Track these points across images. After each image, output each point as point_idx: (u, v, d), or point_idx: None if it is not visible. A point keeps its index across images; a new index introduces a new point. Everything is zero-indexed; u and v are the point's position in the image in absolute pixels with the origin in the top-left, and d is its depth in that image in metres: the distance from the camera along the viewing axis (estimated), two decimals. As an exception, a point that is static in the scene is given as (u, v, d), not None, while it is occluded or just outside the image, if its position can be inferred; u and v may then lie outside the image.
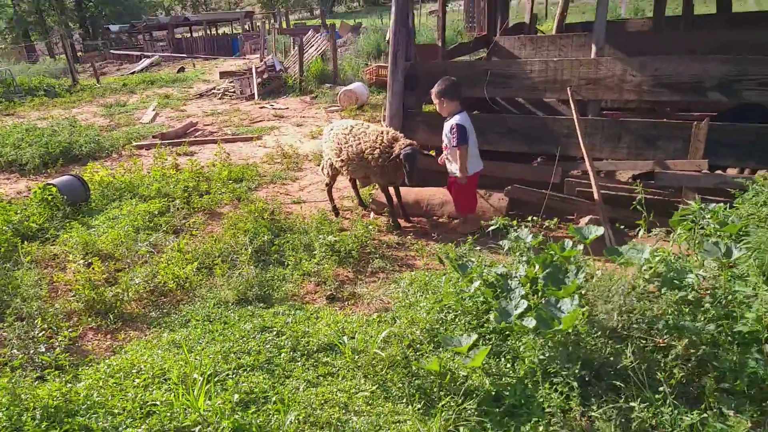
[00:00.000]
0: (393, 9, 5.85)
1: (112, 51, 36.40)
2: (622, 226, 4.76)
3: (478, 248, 4.28)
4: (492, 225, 3.83)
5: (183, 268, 4.61)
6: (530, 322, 2.69)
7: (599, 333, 2.76)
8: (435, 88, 5.03)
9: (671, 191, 4.85)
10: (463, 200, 5.21)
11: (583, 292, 3.12)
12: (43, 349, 3.53)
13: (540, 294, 3.12)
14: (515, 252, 3.64)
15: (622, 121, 5.03)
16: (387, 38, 6.01)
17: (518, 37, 7.69)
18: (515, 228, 3.80)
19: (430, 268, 4.62)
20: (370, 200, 6.11)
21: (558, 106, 7.17)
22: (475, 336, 2.86)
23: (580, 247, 3.26)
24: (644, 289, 3.11)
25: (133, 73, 25.22)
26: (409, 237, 5.23)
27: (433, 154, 6.91)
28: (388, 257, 4.84)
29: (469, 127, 4.96)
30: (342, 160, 5.58)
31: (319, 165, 7.97)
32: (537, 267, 3.29)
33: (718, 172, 5.08)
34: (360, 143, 5.42)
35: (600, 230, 3.39)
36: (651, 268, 3.04)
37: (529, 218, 5.08)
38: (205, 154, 9.25)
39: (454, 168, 5.11)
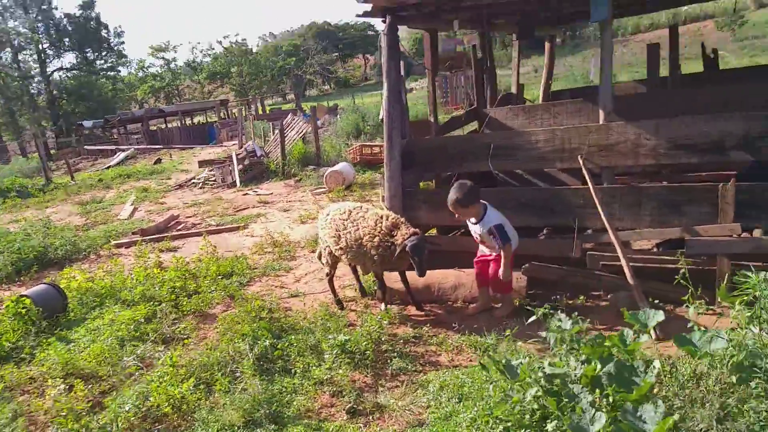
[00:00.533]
0: (385, 86, 5.64)
1: (86, 147, 36.24)
2: (656, 301, 4.40)
3: (514, 340, 3.83)
4: (533, 316, 3.40)
5: (178, 387, 4.06)
6: (616, 443, 2.23)
7: (696, 447, 2.30)
8: (453, 196, 4.62)
9: (703, 259, 4.51)
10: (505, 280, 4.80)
11: (658, 392, 2.68)
12: None
13: (606, 398, 2.66)
14: (559, 344, 3.21)
15: (641, 187, 4.74)
16: (380, 117, 5.75)
17: (510, 108, 7.56)
18: (555, 315, 3.38)
19: (457, 365, 4.14)
20: (375, 288, 5.66)
21: (559, 175, 6.94)
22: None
23: (645, 337, 2.84)
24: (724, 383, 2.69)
25: (108, 167, 24.95)
26: (425, 328, 4.76)
27: (435, 233, 6.58)
28: (408, 355, 4.35)
29: (504, 221, 4.69)
30: (341, 248, 5.18)
31: (313, 252, 7.56)
32: (596, 364, 2.84)
33: (746, 234, 4.79)
34: (359, 229, 5.06)
35: (660, 315, 2.99)
36: (733, 357, 2.63)
37: (555, 299, 4.74)
38: (190, 248, 8.78)
39: (488, 249, 4.84)
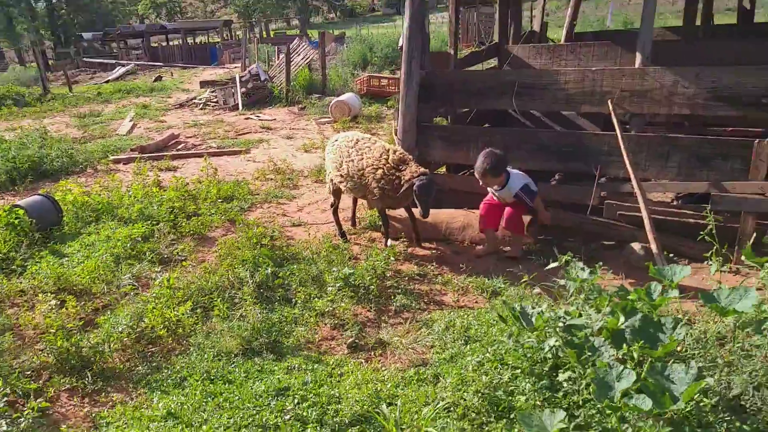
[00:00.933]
0: (407, 12, 5.26)
1: (85, 59, 35.24)
2: (671, 255, 4.25)
3: (532, 286, 3.68)
4: (543, 259, 3.23)
5: (174, 309, 3.93)
6: (644, 402, 2.09)
7: (726, 411, 2.18)
8: (484, 165, 4.45)
9: (727, 215, 4.32)
10: (520, 220, 4.68)
11: (683, 351, 2.54)
12: (5, 427, 2.82)
13: (630, 354, 2.52)
14: (577, 294, 3.06)
15: (671, 137, 4.50)
16: (399, 45, 5.39)
17: (533, 45, 7.18)
18: (573, 263, 3.21)
19: (462, 305, 4.01)
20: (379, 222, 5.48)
21: (577, 120, 6.66)
22: (561, 414, 2.25)
23: (675, 292, 2.68)
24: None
25: (107, 81, 24.29)
26: (430, 267, 4.61)
27: (443, 171, 6.36)
28: (412, 292, 4.21)
29: (526, 179, 4.60)
30: (341, 175, 4.99)
31: (318, 182, 7.36)
32: (618, 316, 2.69)
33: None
34: (363, 159, 4.84)
35: (687, 270, 2.82)
36: (764, 317, 2.47)
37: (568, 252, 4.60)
38: (190, 169, 8.54)
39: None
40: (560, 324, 2.66)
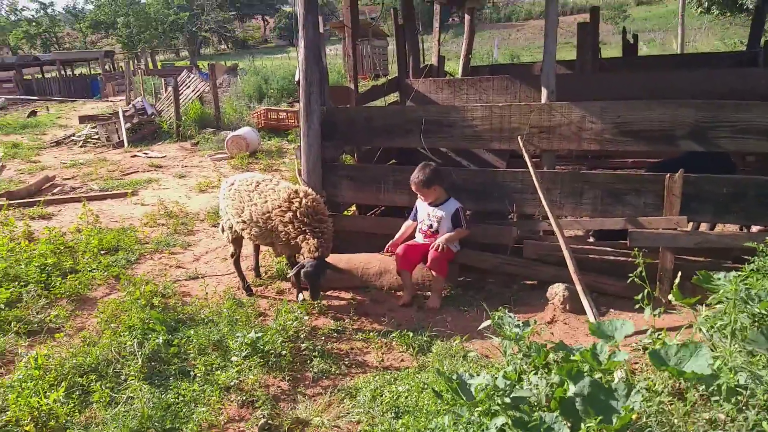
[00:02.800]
0: (302, 44, 4.94)
1: (-56, 93, 31.84)
2: (594, 294, 4.16)
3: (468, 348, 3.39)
4: (485, 323, 2.95)
5: (44, 396, 3.25)
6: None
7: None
8: (422, 176, 4.42)
9: (644, 251, 4.29)
10: (445, 261, 4.47)
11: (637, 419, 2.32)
12: None
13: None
14: (517, 357, 2.80)
15: (584, 173, 4.45)
16: (296, 79, 5.04)
17: (434, 79, 7.09)
18: (505, 315, 2.96)
19: (388, 366, 3.64)
20: (288, 271, 5.02)
21: (484, 155, 6.60)
22: None
23: (624, 355, 2.47)
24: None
25: (-30, 117, 21.93)
26: (348, 320, 4.22)
27: (351, 213, 6.04)
28: (330, 353, 3.79)
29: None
30: (244, 221, 4.53)
31: (215, 226, 6.76)
32: (567, 385, 2.44)
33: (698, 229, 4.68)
34: (267, 202, 4.43)
35: (630, 327, 2.65)
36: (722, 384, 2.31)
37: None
38: (67, 216, 7.62)
39: (427, 239, 4.61)
40: (505, 399, 2.36)
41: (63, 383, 3.43)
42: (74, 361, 3.66)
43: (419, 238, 4.63)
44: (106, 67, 37.72)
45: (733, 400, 2.21)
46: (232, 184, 4.78)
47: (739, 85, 5.57)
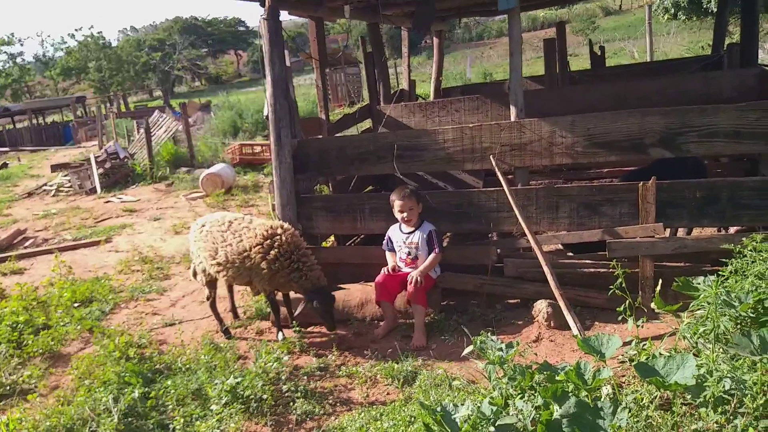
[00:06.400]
0: (269, 78, 4.91)
1: None
2: (577, 308, 4.10)
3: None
4: (467, 348, 2.87)
5: (14, 466, 3.09)
6: None
7: None
8: (406, 196, 4.43)
9: (624, 261, 4.26)
10: (423, 291, 4.37)
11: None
12: None
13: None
14: (503, 381, 2.71)
15: (558, 188, 4.43)
16: (264, 114, 4.99)
17: (405, 104, 7.07)
18: (488, 339, 2.88)
19: (373, 401, 3.53)
20: (268, 310, 4.89)
21: (461, 176, 6.57)
22: None
23: (608, 371, 2.39)
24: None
25: (-60, 174, 21.53)
26: (331, 356, 4.10)
27: (330, 244, 5.95)
28: (314, 393, 3.66)
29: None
30: (219, 263, 4.42)
31: (190, 268, 6.62)
32: (553, 407, 2.36)
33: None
34: (242, 241, 4.34)
35: (617, 341, 2.58)
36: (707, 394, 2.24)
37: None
38: (40, 269, 7.42)
39: (408, 267, 4.53)
40: (490, 429, 2.27)
41: (35, 449, 3.27)
42: (48, 423, 3.50)
43: (401, 266, 4.55)
44: (78, 112, 37.50)
45: (720, 408, 2.14)
46: (203, 225, 4.68)
47: (704, 89, 5.63)
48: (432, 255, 4.41)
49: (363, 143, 4.95)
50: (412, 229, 4.47)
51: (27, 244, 8.96)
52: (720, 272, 3.12)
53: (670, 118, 3.97)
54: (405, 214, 4.43)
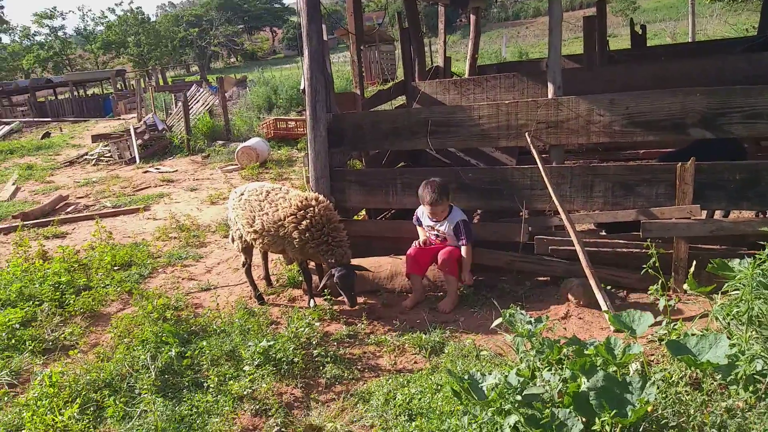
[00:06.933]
0: (306, 53, 4.94)
1: (-39, 119, 32.43)
2: (608, 287, 4.09)
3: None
4: (496, 321, 2.91)
5: (59, 413, 3.26)
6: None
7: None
8: (434, 194, 4.32)
9: (658, 242, 4.22)
10: (456, 260, 4.43)
11: (652, 411, 2.26)
12: None
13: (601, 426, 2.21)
14: (530, 354, 2.74)
15: (593, 166, 4.38)
16: (301, 88, 5.03)
17: (440, 81, 7.07)
18: (517, 312, 2.91)
19: (401, 368, 3.60)
20: (301, 278, 5.00)
21: (493, 153, 6.54)
22: None
23: (639, 347, 2.41)
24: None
25: (-13, 142, 22.28)
26: (361, 325, 4.19)
27: (361, 217, 6.02)
28: (343, 359, 3.76)
29: (465, 216, 4.50)
30: (255, 231, 4.52)
31: (226, 237, 6.77)
32: (580, 380, 2.39)
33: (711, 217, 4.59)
34: (278, 210, 4.43)
35: (649, 318, 2.59)
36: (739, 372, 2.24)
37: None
38: (81, 234, 7.69)
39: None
40: (517, 397, 2.31)
41: (77, 400, 3.44)
42: (88, 377, 3.67)
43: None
44: (118, 85, 38.25)
45: (751, 388, 2.14)
46: (242, 194, 4.78)
47: (749, 70, 5.48)
48: (464, 248, 4.40)
49: (397, 118, 4.96)
50: (438, 219, 4.47)
51: (69, 209, 9.26)
52: (757, 255, 3.08)
53: (712, 98, 3.89)
54: (432, 214, 4.46)
